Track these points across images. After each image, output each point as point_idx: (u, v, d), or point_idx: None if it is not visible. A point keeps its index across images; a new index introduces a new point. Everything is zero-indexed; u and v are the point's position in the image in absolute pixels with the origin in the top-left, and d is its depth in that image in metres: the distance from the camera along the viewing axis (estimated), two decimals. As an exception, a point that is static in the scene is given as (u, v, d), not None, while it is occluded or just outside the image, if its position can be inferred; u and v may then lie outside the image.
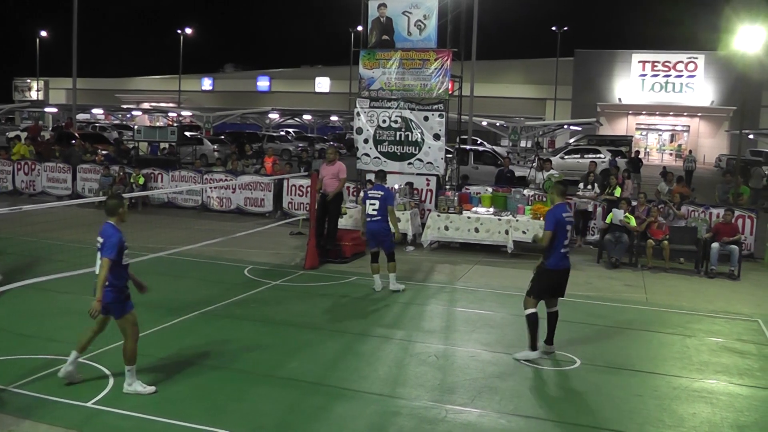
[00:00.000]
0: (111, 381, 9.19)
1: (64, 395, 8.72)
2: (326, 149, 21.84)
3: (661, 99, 77.62)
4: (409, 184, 20.69)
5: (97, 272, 8.68)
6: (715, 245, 17.91)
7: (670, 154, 72.37)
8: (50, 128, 57.28)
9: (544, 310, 11.11)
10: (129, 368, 8.88)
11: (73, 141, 37.64)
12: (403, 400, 9.15)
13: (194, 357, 10.37)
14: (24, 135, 40.27)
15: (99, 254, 8.73)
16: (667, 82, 77.69)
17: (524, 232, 18.66)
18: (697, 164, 50.10)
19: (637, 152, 43.01)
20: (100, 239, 8.74)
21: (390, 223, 14.80)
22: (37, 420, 8.16)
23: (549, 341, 11.17)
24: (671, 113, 79.17)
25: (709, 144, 76.39)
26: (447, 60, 20.70)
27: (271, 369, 10.10)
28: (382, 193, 14.95)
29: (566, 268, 11.11)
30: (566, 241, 10.91)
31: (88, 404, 8.54)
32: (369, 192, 15.29)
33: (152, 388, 8.95)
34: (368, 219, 14.91)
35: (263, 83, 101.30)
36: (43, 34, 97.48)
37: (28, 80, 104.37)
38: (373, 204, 14.78)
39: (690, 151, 55.06)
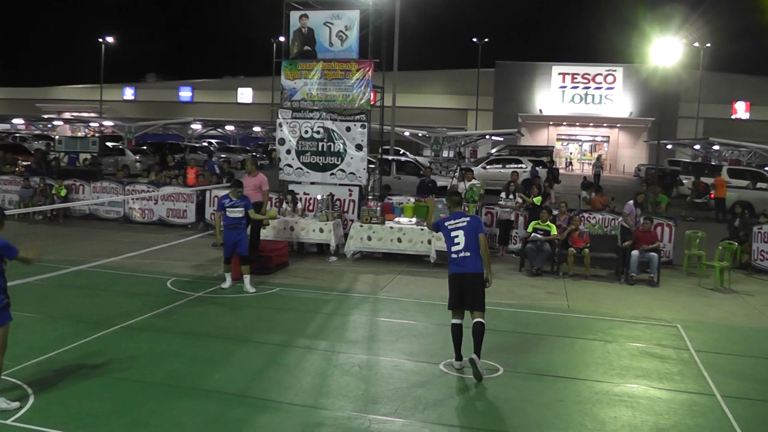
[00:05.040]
0: (31, 397, 8.99)
1: (-18, 413, 8.49)
2: (245, 161, 21.58)
3: (581, 110, 78.98)
4: (331, 195, 20.68)
5: None
6: (634, 253, 18.24)
7: (589, 164, 73.38)
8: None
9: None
10: None
11: (-7, 152, 36.85)
12: (326, 411, 9.12)
13: (116, 371, 10.20)
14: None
15: None
16: (586, 94, 79.09)
17: (447, 242, 18.74)
18: (603, 170, 51.56)
19: (552, 162, 43.35)
20: None
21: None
22: (-47, 439, 7.96)
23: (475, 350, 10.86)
24: (591, 124, 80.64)
25: (629, 154, 78.01)
26: (369, 70, 20.76)
27: (194, 381, 9.98)
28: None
29: (456, 273, 10.85)
30: (455, 248, 10.81)
31: (8, 422, 8.32)
32: (235, 201, 15.88)
33: (17, 404, 8.66)
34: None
35: (185, 93, 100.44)
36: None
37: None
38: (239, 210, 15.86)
39: (598, 158, 56.09)
